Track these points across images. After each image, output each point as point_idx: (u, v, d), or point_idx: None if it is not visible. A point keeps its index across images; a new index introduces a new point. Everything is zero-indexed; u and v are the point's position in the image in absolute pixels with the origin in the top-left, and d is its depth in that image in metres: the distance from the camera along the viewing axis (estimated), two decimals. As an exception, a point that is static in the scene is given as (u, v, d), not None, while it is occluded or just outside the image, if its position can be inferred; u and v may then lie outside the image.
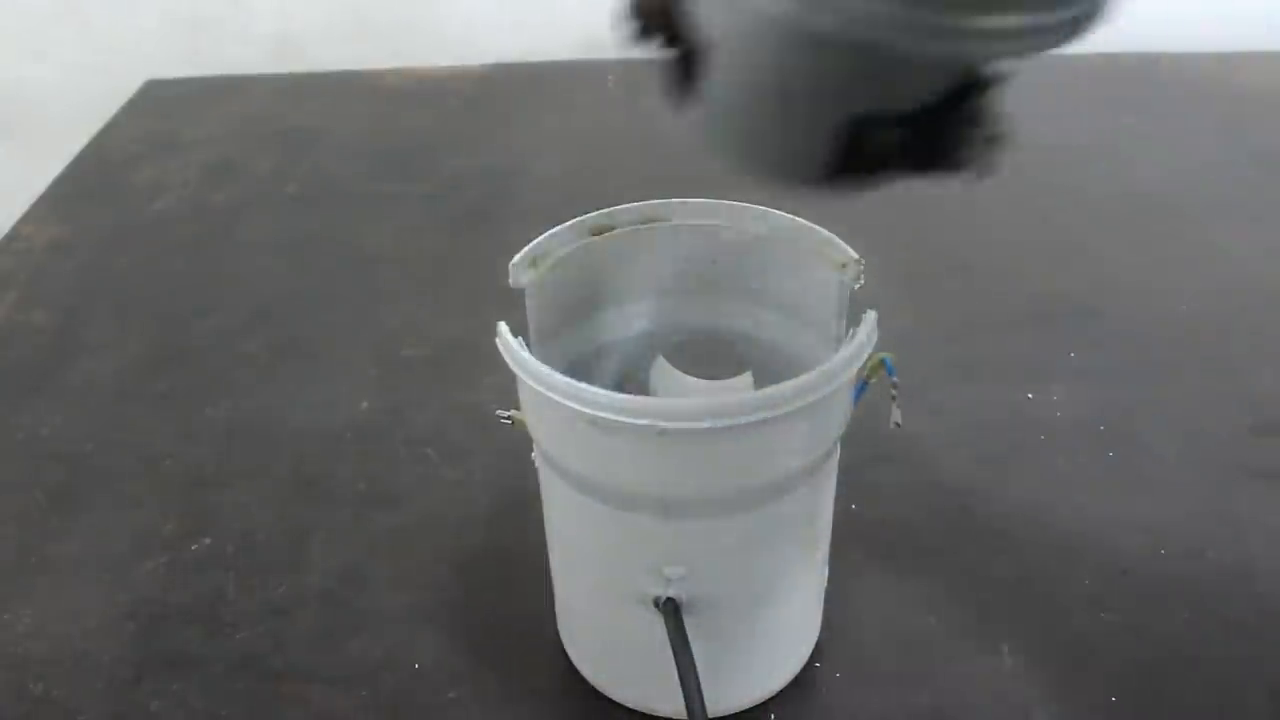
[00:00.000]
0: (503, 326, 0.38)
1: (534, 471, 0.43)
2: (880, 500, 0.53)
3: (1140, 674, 0.46)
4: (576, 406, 0.35)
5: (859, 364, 0.37)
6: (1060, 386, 0.62)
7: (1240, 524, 0.53)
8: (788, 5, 0.25)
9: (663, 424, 0.34)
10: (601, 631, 0.44)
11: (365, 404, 0.63)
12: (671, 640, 0.39)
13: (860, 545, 0.46)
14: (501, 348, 0.38)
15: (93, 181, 0.91)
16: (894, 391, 0.39)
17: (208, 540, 0.55)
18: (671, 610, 0.39)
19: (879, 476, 0.53)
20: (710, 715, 0.44)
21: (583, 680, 0.47)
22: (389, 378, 0.66)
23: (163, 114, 1.01)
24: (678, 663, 0.38)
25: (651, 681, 0.43)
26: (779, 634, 0.45)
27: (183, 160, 0.92)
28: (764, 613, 0.42)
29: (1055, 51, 0.26)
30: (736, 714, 0.45)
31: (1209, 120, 0.92)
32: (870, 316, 0.38)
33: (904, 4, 0.24)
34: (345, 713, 0.45)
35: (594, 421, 0.35)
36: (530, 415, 0.40)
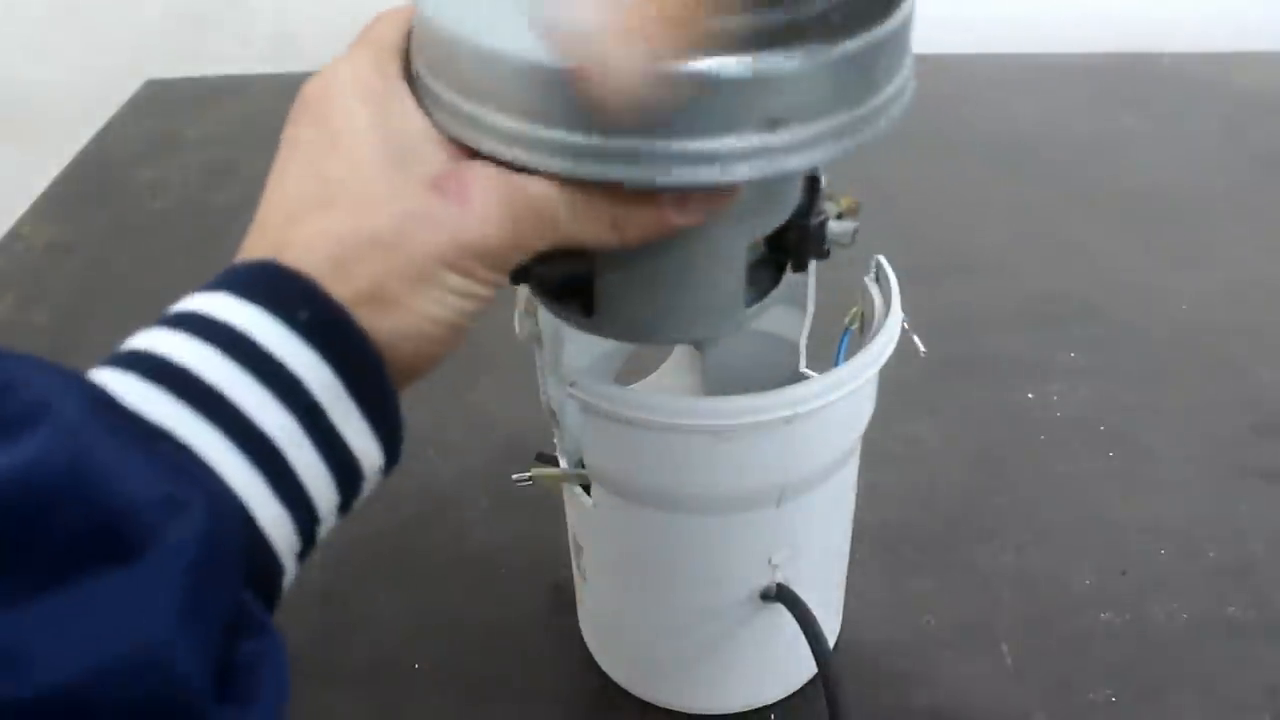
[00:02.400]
0: (578, 375, 0.36)
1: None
2: (880, 500, 0.53)
3: (1140, 674, 0.46)
4: (704, 422, 0.35)
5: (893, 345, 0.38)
6: (1060, 386, 0.62)
7: (1240, 524, 0.53)
8: None
9: (790, 411, 0.34)
10: (680, 641, 0.44)
11: (365, 404, 0.63)
12: (799, 616, 0.39)
13: (860, 545, 0.46)
14: (590, 397, 0.36)
15: (93, 181, 0.91)
16: (905, 326, 0.40)
17: (208, 540, 0.55)
18: (787, 594, 0.40)
19: (879, 476, 0.53)
20: (728, 710, 0.44)
21: (586, 679, 0.47)
22: (389, 378, 0.65)
23: (163, 114, 1.01)
24: (809, 633, 0.39)
25: (730, 679, 0.44)
26: (828, 616, 0.46)
27: (183, 160, 0.92)
28: (828, 589, 0.44)
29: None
30: (737, 714, 0.45)
31: (1209, 120, 0.92)
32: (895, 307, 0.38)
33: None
34: (345, 713, 0.45)
35: (718, 433, 0.35)
36: (620, 457, 0.38)
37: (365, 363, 0.25)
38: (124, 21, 1.13)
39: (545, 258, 0.32)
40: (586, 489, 0.40)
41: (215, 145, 0.95)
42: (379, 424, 0.26)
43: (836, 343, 0.40)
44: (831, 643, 0.47)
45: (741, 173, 0.26)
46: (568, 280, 0.34)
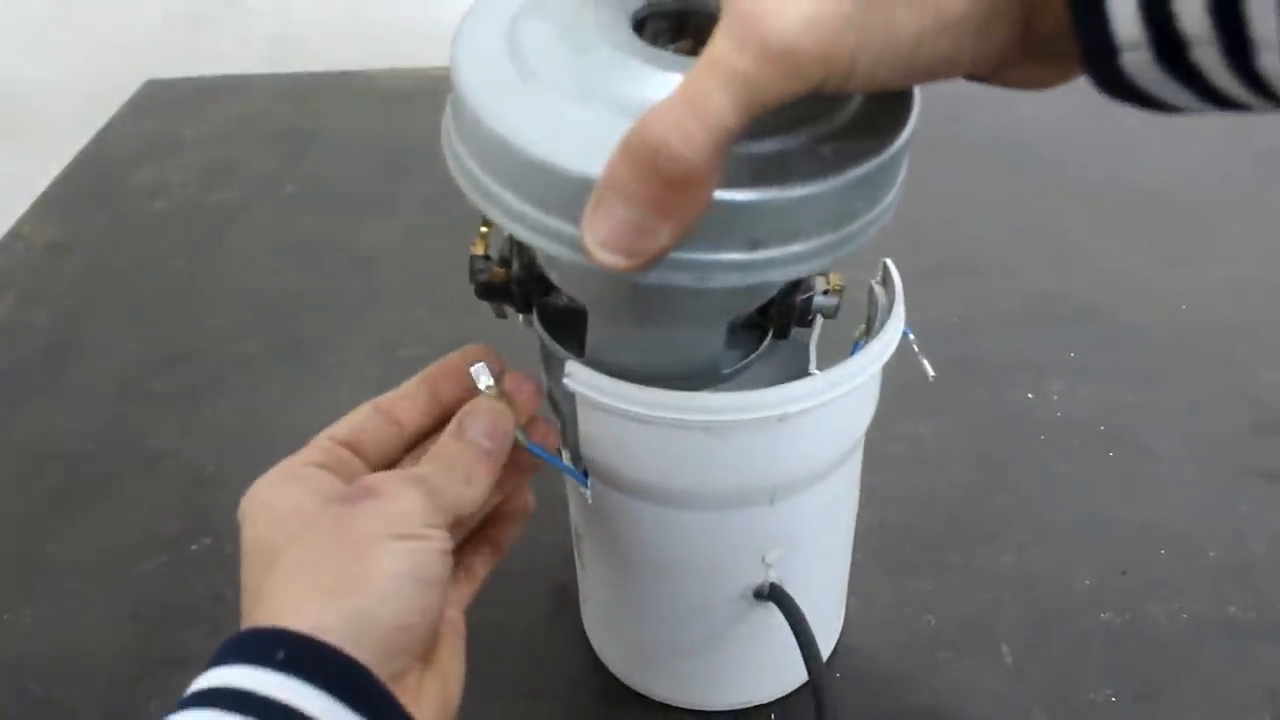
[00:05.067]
0: (574, 366, 0.36)
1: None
2: (880, 500, 0.53)
3: (1140, 674, 0.46)
4: (696, 418, 0.34)
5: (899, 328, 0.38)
6: (1060, 386, 0.62)
7: (1240, 524, 0.53)
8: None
9: (782, 410, 0.34)
10: (675, 635, 0.44)
11: (365, 404, 0.63)
12: (791, 618, 0.39)
13: (860, 545, 0.46)
14: (583, 388, 0.35)
15: (93, 181, 0.91)
16: (914, 347, 0.40)
17: (208, 540, 0.55)
18: (779, 594, 0.40)
19: (879, 476, 0.53)
20: (725, 707, 0.44)
21: (589, 678, 0.47)
22: (389, 378, 0.65)
23: (163, 114, 1.01)
24: (800, 637, 0.38)
25: (730, 675, 0.45)
26: (828, 617, 0.46)
27: (183, 160, 0.92)
28: (827, 590, 0.44)
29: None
30: (736, 711, 0.45)
31: (1209, 120, 0.92)
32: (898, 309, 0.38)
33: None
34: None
35: (711, 428, 0.35)
36: (612, 450, 0.37)
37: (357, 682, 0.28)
38: (124, 22, 1.13)
39: (548, 290, 0.36)
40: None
41: (215, 145, 0.95)
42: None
43: (849, 352, 0.40)
44: (833, 643, 0.47)
45: (719, 282, 0.29)
46: (568, 313, 0.37)
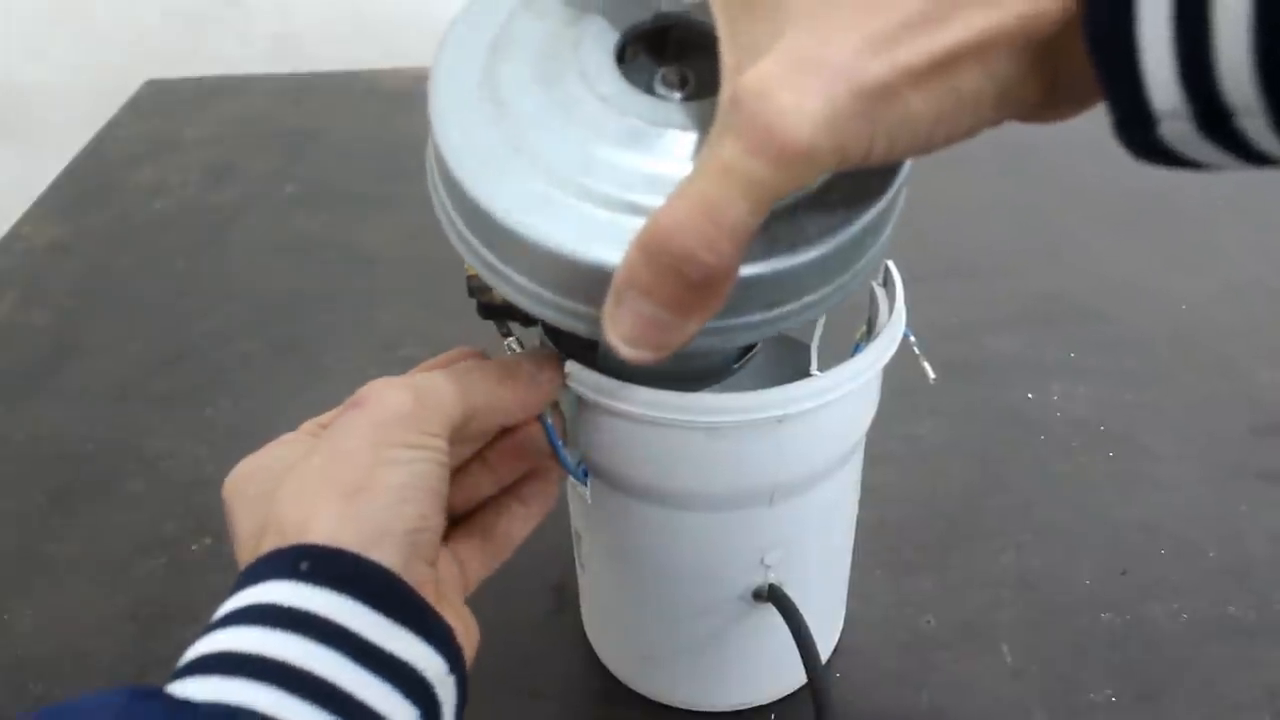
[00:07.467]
0: (573, 366, 0.35)
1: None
2: (880, 500, 0.53)
3: (1140, 674, 0.46)
4: (696, 419, 0.34)
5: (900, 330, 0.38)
6: (1060, 386, 0.62)
7: (1240, 524, 0.53)
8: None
9: (781, 411, 0.34)
10: (675, 636, 0.44)
11: (365, 404, 0.63)
12: (790, 620, 0.39)
13: (860, 545, 0.46)
14: (583, 389, 0.35)
15: (93, 181, 0.91)
16: (915, 349, 0.40)
17: (208, 540, 0.55)
18: (778, 595, 0.40)
19: (879, 476, 0.53)
20: (724, 707, 0.45)
21: (588, 678, 0.47)
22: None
23: (163, 114, 1.01)
24: (799, 639, 0.38)
25: (730, 677, 0.45)
26: (828, 617, 0.46)
27: (183, 160, 0.92)
28: (827, 591, 0.45)
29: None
30: (737, 712, 0.45)
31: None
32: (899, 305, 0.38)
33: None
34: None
35: (711, 429, 0.35)
36: (612, 450, 0.37)
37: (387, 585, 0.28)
38: (124, 21, 1.13)
39: None
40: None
41: (215, 145, 0.95)
42: (421, 631, 0.28)
43: (849, 353, 0.40)
44: (833, 643, 0.47)
45: (738, 340, 0.30)
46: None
